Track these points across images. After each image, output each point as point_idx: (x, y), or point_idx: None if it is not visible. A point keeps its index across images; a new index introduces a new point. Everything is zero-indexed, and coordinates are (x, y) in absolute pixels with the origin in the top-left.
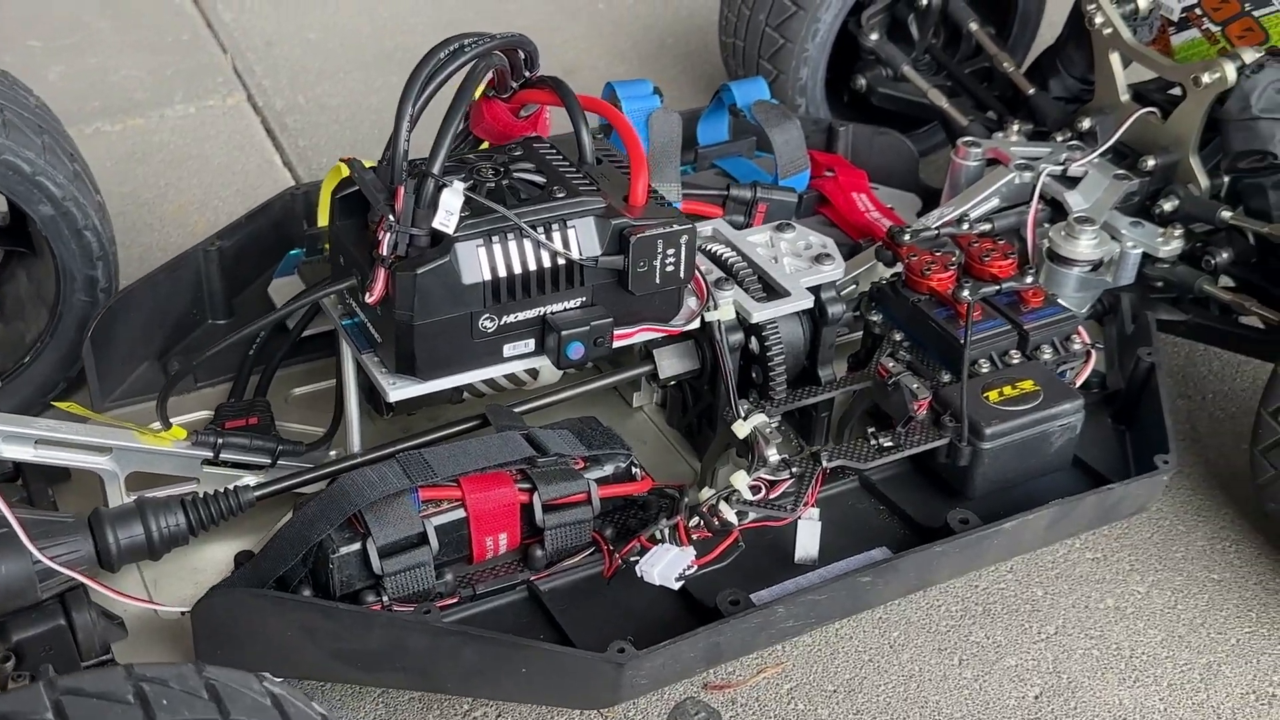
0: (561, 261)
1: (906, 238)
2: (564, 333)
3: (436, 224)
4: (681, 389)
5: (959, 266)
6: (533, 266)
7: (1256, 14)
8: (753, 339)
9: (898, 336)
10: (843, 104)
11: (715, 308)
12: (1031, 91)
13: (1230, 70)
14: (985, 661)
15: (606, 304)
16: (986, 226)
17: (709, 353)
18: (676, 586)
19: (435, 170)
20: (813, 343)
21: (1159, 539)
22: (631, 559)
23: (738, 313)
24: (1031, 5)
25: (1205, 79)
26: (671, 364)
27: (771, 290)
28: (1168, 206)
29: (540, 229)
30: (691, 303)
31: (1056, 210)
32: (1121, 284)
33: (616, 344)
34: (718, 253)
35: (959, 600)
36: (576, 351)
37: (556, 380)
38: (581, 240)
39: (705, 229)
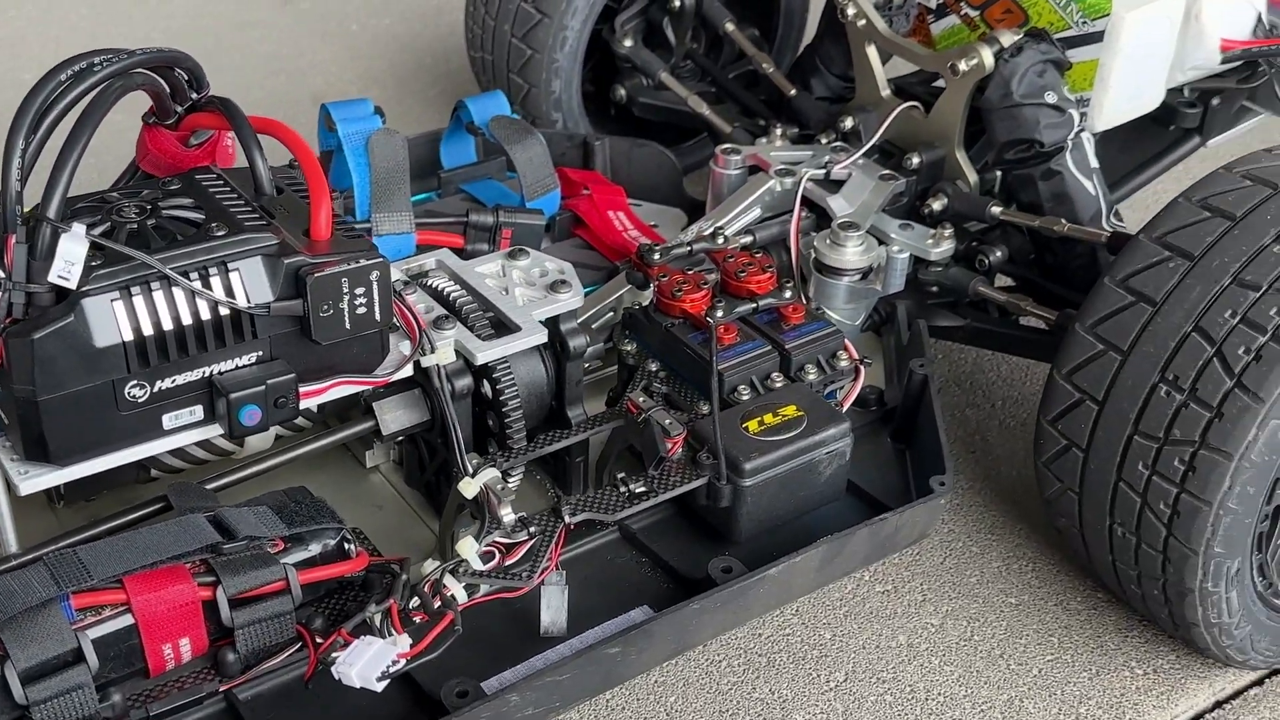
0: (225, 311)
1: (657, 256)
2: (233, 396)
3: (53, 277)
4: (415, 443)
5: (715, 285)
6: (188, 320)
7: None
8: (484, 382)
9: (653, 366)
10: (609, 117)
11: (431, 350)
12: (793, 93)
13: (988, 55)
14: None
15: (290, 357)
16: (747, 239)
17: (436, 401)
18: (379, 688)
19: (51, 213)
20: (557, 381)
21: (952, 564)
22: (333, 655)
23: (461, 354)
24: (795, 3)
25: (962, 66)
26: (396, 417)
27: (502, 326)
28: (937, 205)
29: (195, 275)
30: (403, 347)
31: (823, 217)
32: (891, 292)
33: (305, 402)
34: (440, 288)
35: (741, 653)
36: (252, 416)
37: (269, 445)
38: (249, 285)
39: (428, 260)
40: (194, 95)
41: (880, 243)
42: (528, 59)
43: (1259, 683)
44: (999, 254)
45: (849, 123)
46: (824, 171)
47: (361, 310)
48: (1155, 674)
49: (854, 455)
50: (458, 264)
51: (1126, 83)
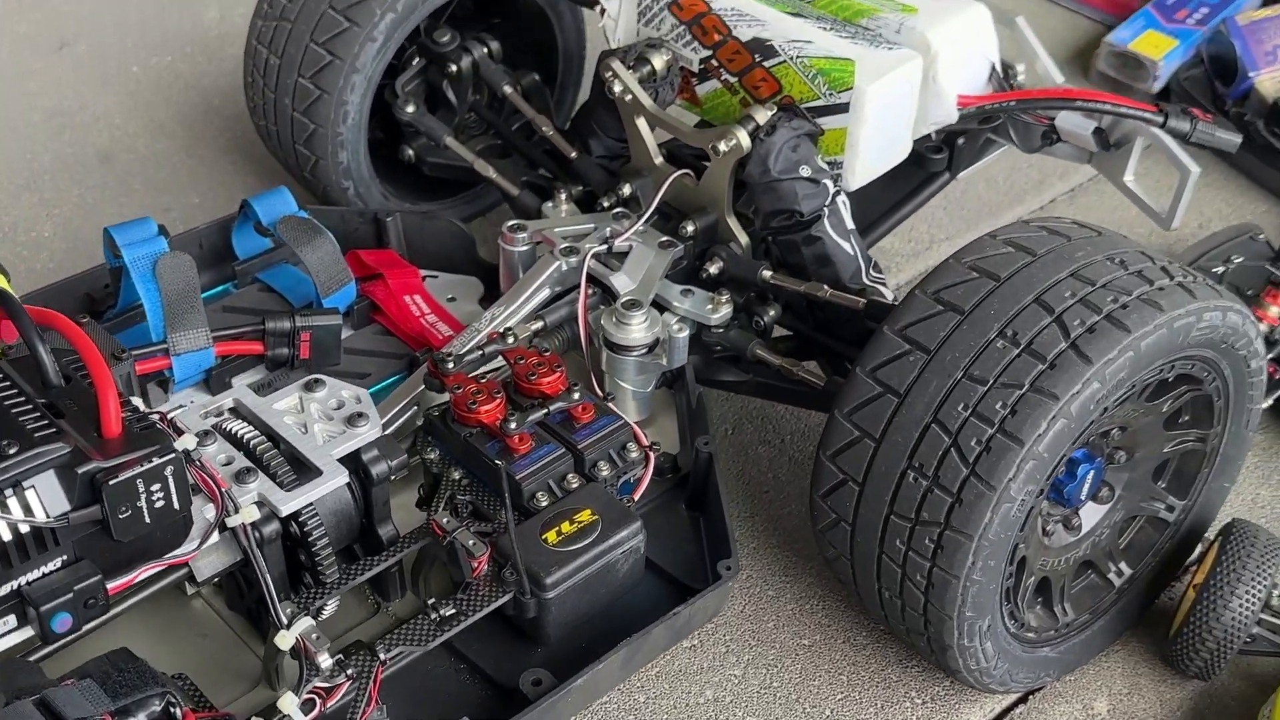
0: (25, 528)
1: (451, 365)
2: (44, 608)
3: None
4: (233, 574)
5: (505, 391)
6: None
7: (767, 64)
8: (292, 523)
9: (456, 475)
10: (399, 167)
11: (235, 510)
12: (574, 155)
13: (744, 137)
14: None
15: (95, 554)
16: (538, 324)
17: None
18: None
19: None
20: (365, 504)
21: (751, 610)
22: None
23: (267, 509)
24: (572, 45)
25: (722, 147)
26: (209, 563)
27: (303, 467)
28: (713, 269)
29: None
30: (206, 511)
31: (610, 290)
32: (675, 366)
33: (116, 593)
34: (238, 433)
35: None
36: (64, 624)
37: None
38: (45, 499)
39: (225, 400)
40: None
41: (663, 310)
42: (312, 132)
43: (1023, 700)
44: (772, 313)
45: (627, 189)
46: (606, 246)
47: (160, 504)
48: (933, 702)
49: (650, 527)
50: (255, 402)
51: (875, 145)
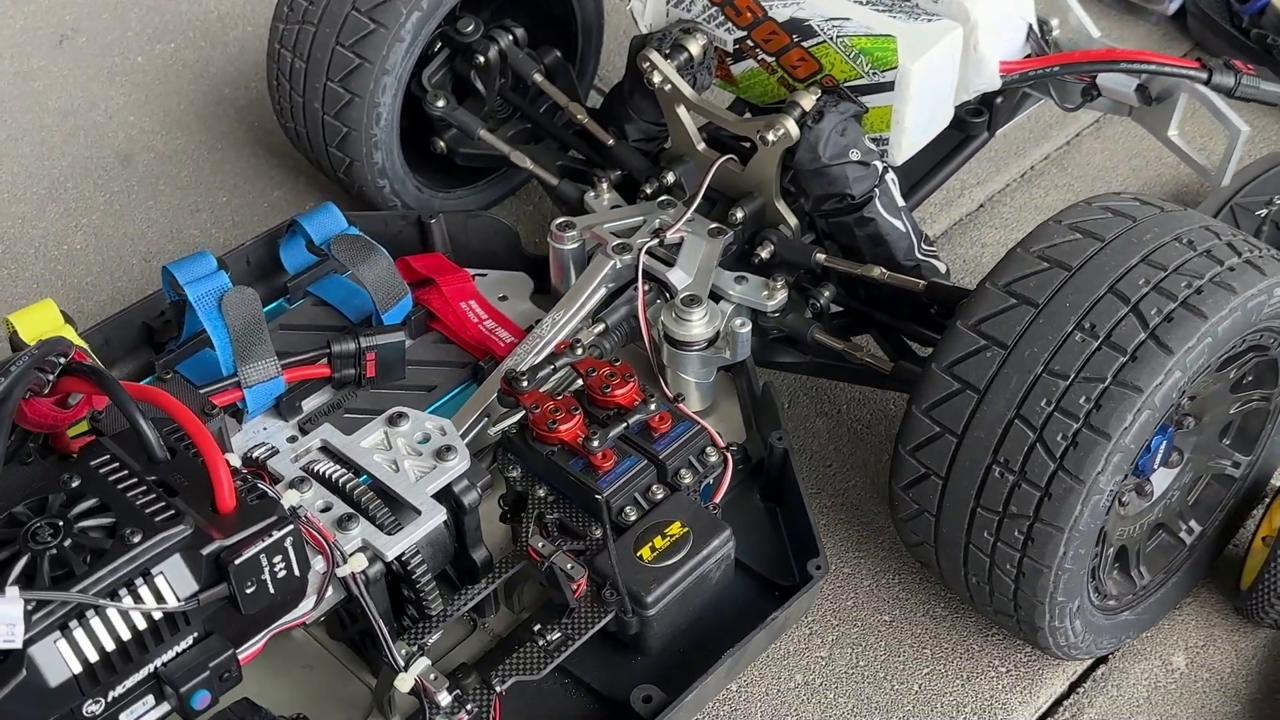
0: (159, 615)
1: (525, 384)
2: (183, 689)
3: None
4: (335, 609)
5: (580, 403)
6: (127, 635)
7: (806, 45)
8: (395, 563)
9: (541, 492)
10: (431, 158)
11: (344, 561)
12: (611, 143)
13: (792, 127)
14: None
15: (224, 627)
16: (599, 328)
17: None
18: None
19: None
20: (458, 532)
21: (830, 590)
22: None
23: (371, 552)
24: (591, 16)
25: (770, 137)
26: (308, 604)
27: (399, 506)
28: (765, 254)
29: (123, 591)
30: (317, 564)
31: (666, 285)
32: (739, 359)
33: (247, 663)
34: (331, 476)
35: None
36: (203, 701)
37: None
38: (174, 583)
39: (314, 441)
40: (60, 359)
41: (719, 299)
42: (344, 135)
43: (1103, 660)
44: (828, 294)
45: (670, 177)
46: (658, 240)
47: (283, 574)
48: (1016, 669)
49: (728, 520)
50: (343, 442)
51: (920, 119)
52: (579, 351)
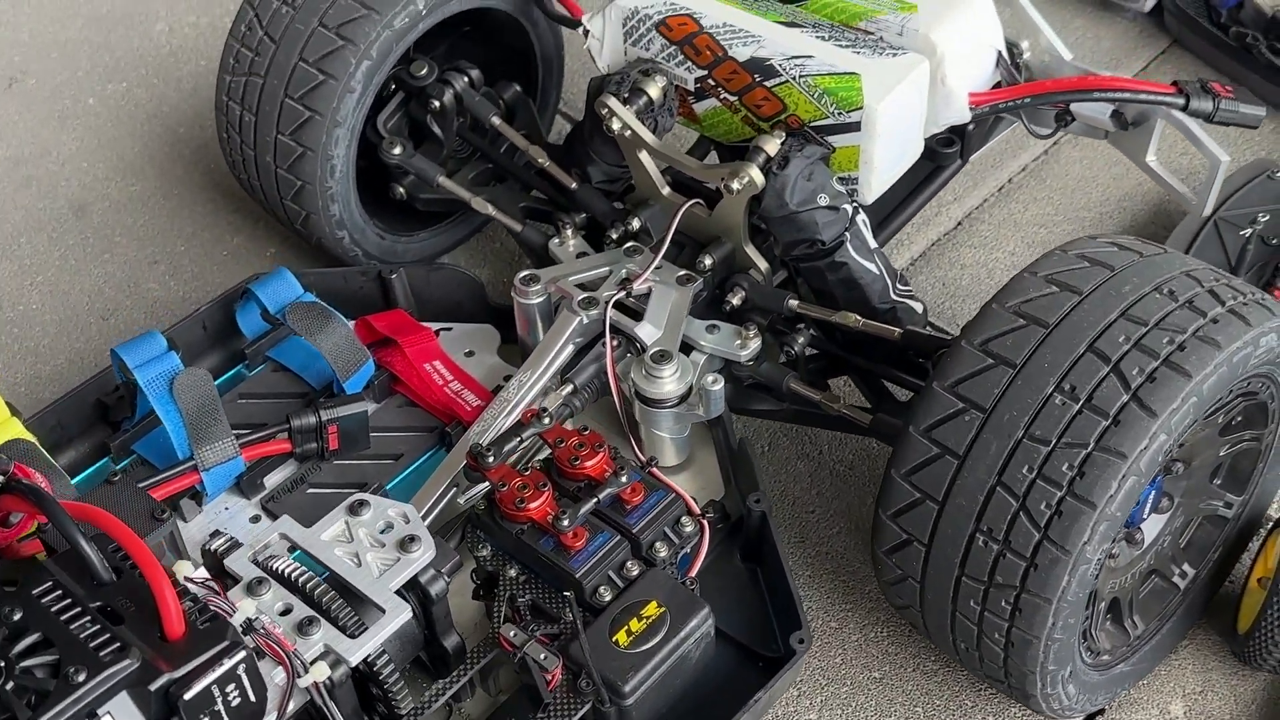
0: None
1: (491, 459)
2: None
3: None
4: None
5: (549, 475)
6: None
7: (768, 85)
8: (361, 664)
9: (513, 572)
10: (397, 203)
11: (306, 671)
12: (574, 186)
13: (756, 174)
14: None
15: None
16: (568, 389)
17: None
18: None
19: None
20: (427, 619)
21: (817, 646)
22: None
23: (333, 657)
24: (549, 48)
25: (735, 186)
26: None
27: (362, 604)
28: (736, 300)
29: None
30: (276, 676)
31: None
32: (713, 416)
33: None
34: (290, 575)
35: None
36: None
37: None
38: None
39: (272, 536)
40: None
41: (691, 349)
42: (299, 188)
43: (1100, 712)
44: (802, 340)
45: (636, 223)
46: (624, 292)
47: (237, 702)
48: None
49: (708, 586)
50: (302, 535)
51: (889, 157)
52: (546, 420)
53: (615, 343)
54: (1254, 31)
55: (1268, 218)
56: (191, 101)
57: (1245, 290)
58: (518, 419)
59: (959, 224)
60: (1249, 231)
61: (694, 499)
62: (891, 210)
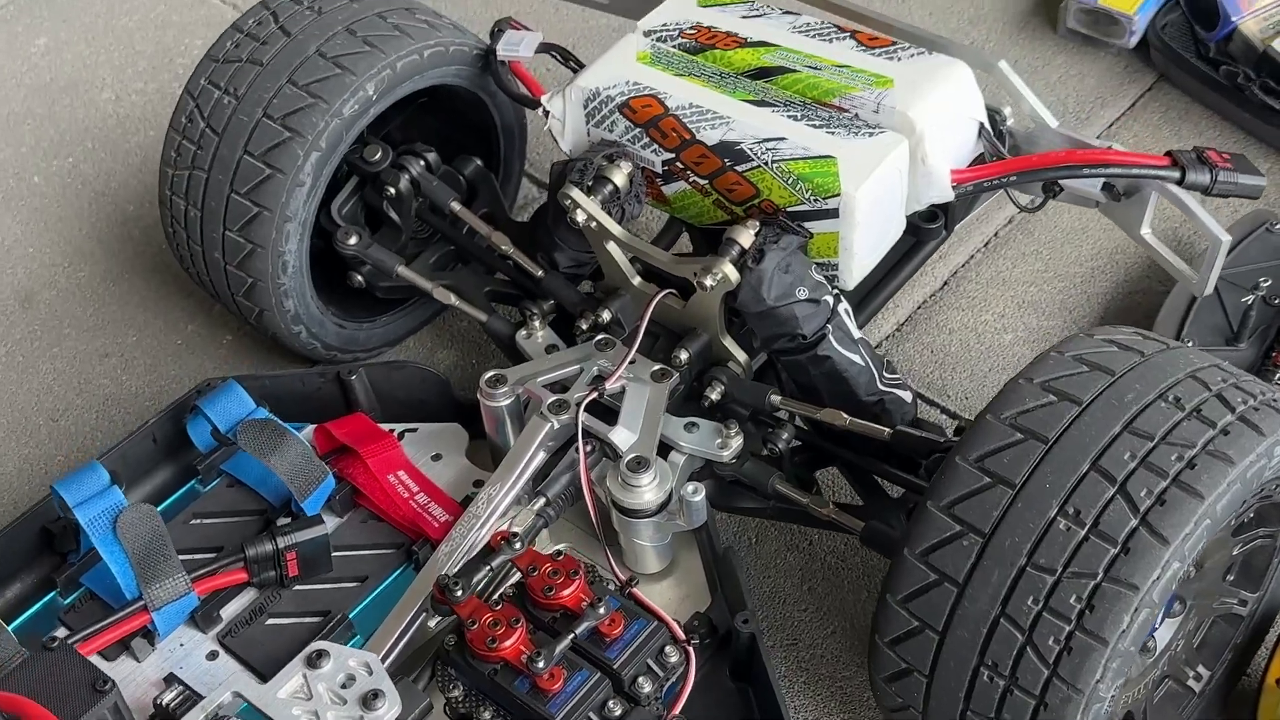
0: None
1: (460, 593)
2: None
3: None
4: None
5: (522, 607)
6: None
7: (740, 169)
8: None
9: (488, 715)
10: (354, 291)
11: None
12: (540, 274)
13: (730, 270)
14: None
15: None
16: (540, 503)
17: None
18: None
19: None
20: None
21: None
22: None
23: None
24: (510, 119)
25: (709, 283)
26: None
27: None
28: (714, 395)
29: None
30: None
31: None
32: (695, 526)
33: None
34: None
35: None
36: None
37: None
38: None
39: (224, 696)
40: None
41: (670, 449)
42: (250, 285)
43: None
44: (785, 435)
45: (606, 315)
46: (596, 393)
47: None
48: None
49: (698, 702)
50: (257, 694)
51: (869, 241)
52: (517, 545)
53: (589, 448)
54: (1245, 69)
55: (1270, 282)
56: (140, 176)
57: (1255, 391)
58: (487, 542)
59: (945, 284)
60: (1250, 299)
61: (678, 618)
62: (873, 288)
